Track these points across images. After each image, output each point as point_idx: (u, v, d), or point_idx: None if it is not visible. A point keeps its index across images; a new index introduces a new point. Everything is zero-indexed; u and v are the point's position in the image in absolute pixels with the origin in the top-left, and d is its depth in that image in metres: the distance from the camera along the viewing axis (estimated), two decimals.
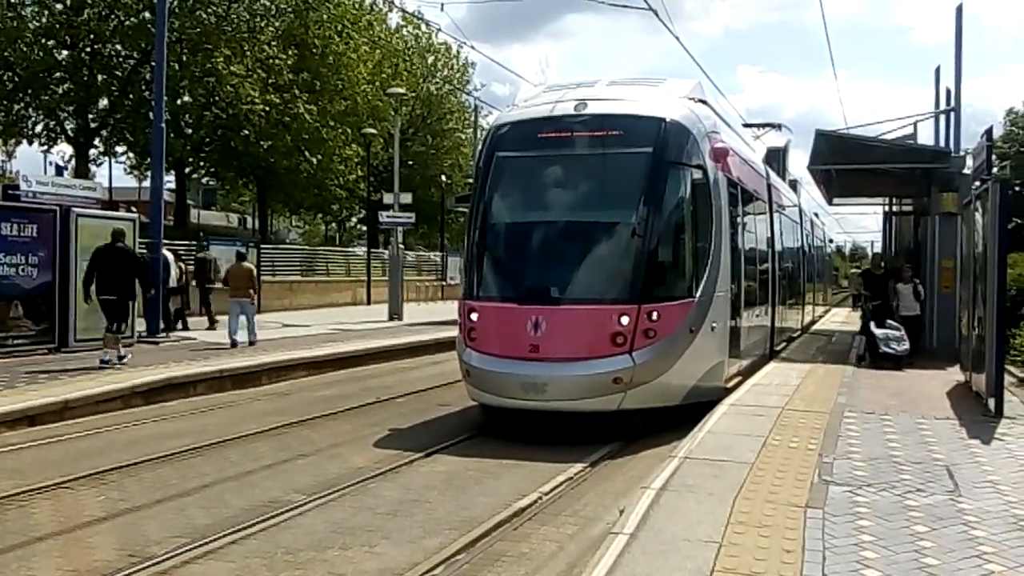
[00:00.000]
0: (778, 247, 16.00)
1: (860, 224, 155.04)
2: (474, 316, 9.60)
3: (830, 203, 24.28)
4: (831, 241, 42.78)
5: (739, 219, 11.59)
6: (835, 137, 16.53)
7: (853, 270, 38.16)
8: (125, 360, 12.70)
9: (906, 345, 12.97)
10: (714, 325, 9.86)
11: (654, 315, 9.04)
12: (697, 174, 9.95)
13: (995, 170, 11.52)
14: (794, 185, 26.31)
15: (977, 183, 11.39)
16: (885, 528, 5.32)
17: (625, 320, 8.97)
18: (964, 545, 5.06)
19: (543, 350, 8.95)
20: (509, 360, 9.12)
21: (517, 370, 9.00)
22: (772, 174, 16.33)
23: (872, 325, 13.57)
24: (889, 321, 13.34)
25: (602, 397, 8.91)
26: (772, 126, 19.14)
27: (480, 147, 10.73)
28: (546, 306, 9.10)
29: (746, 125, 18.53)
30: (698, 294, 9.63)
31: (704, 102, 11.28)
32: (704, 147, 10.12)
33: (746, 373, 11.86)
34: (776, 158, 23.94)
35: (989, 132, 11.79)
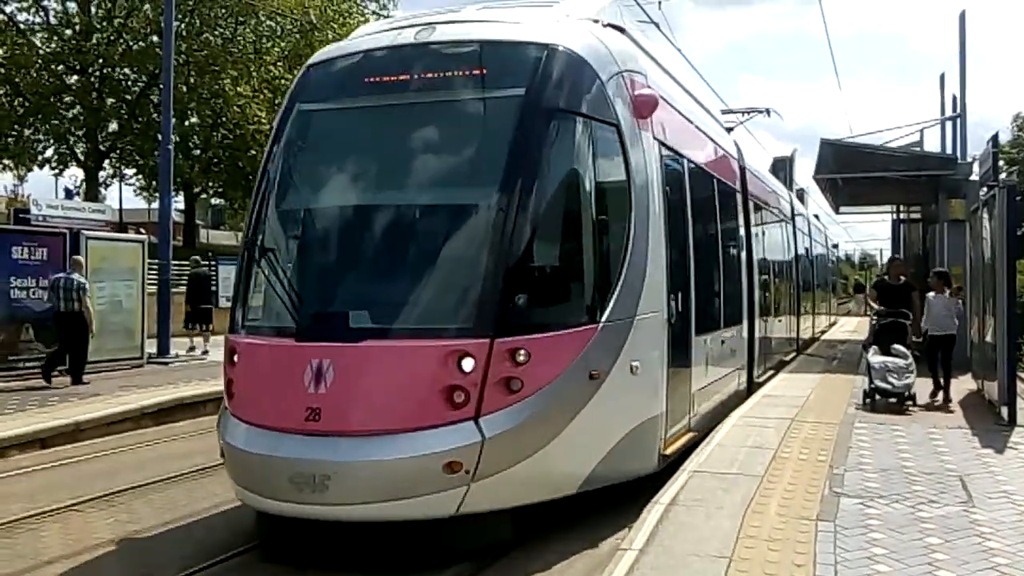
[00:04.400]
0: (757, 249, 12.56)
1: (869, 232, 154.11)
2: (235, 359, 6.34)
3: (837, 211, 24.24)
4: (835, 246, 39.03)
5: (686, 206, 8.24)
6: (840, 146, 16.58)
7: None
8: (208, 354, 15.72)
9: (909, 379, 10.12)
10: (636, 364, 6.55)
11: (520, 354, 5.69)
12: (604, 132, 6.63)
13: (1003, 176, 11.45)
14: (801, 194, 26.24)
15: (984, 189, 11.34)
16: (898, 540, 5.26)
17: (468, 364, 5.59)
18: (978, 557, 5.00)
19: (328, 417, 5.57)
20: (274, 434, 5.74)
21: (284, 451, 5.62)
22: (746, 157, 12.70)
23: (871, 351, 10.81)
24: (896, 347, 10.59)
25: (426, 497, 5.52)
26: (757, 111, 15.91)
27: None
28: (337, 343, 5.73)
29: (725, 111, 15.17)
30: (605, 316, 6.26)
31: (621, 30, 7.70)
32: (618, 93, 6.76)
33: (704, 426, 8.60)
34: (783, 167, 23.86)
35: (995, 138, 11.74)
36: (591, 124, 6.54)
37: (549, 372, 5.84)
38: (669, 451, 7.35)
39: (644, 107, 6.97)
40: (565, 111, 6.40)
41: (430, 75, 6.51)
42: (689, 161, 8.56)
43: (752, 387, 11.60)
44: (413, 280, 6.17)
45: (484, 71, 6.41)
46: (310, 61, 7.40)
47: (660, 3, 15.28)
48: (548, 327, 5.98)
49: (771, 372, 13.43)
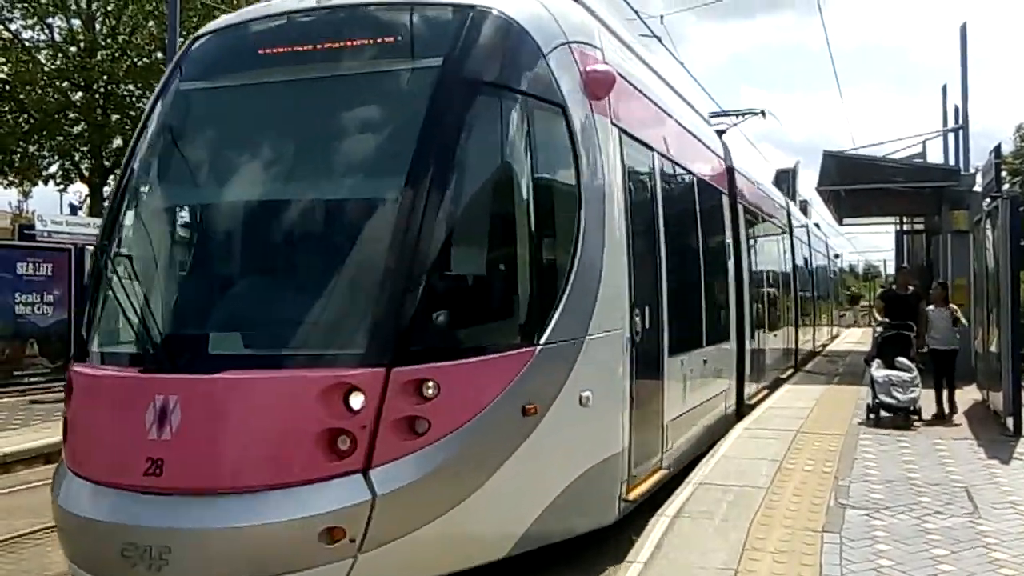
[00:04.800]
0: (749, 258, 11.44)
1: (872, 243, 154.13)
2: (73, 393, 5.19)
3: (840, 223, 24.29)
4: (837, 256, 37.64)
5: (656, 205, 7.13)
6: (843, 158, 16.64)
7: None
8: None
9: (914, 393, 9.92)
10: (587, 394, 5.38)
11: (428, 387, 4.58)
12: (546, 113, 5.42)
13: (1005, 187, 11.52)
14: (805, 206, 26.27)
15: (987, 200, 11.38)
16: (903, 552, 5.25)
17: (356, 400, 4.46)
18: (984, 568, 5.00)
19: (172, 471, 4.40)
20: (107, 491, 4.59)
21: (115, 515, 4.47)
22: (737, 159, 11.66)
23: (874, 365, 10.53)
24: (900, 360, 10.31)
25: (298, 574, 4.40)
26: (752, 112, 14.96)
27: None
28: (186, 375, 4.61)
29: (716, 114, 14.02)
30: (545, 337, 5.07)
31: None
32: (564, 67, 5.58)
33: (682, 461, 7.64)
34: (786, 179, 23.86)
35: (997, 149, 11.80)
36: (527, 103, 5.30)
37: (467, 408, 4.68)
38: (633, 495, 6.15)
39: (598, 86, 5.79)
40: (494, 86, 5.19)
41: (329, 44, 5.39)
42: (660, 155, 7.40)
43: (743, 410, 10.63)
44: (293, 294, 5.01)
45: (394, 38, 5.30)
46: (197, 33, 6.21)
47: (662, 17, 15.37)
48: (467, 351, 4.80)
49: (766, 392, 12.53)
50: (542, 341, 5.05)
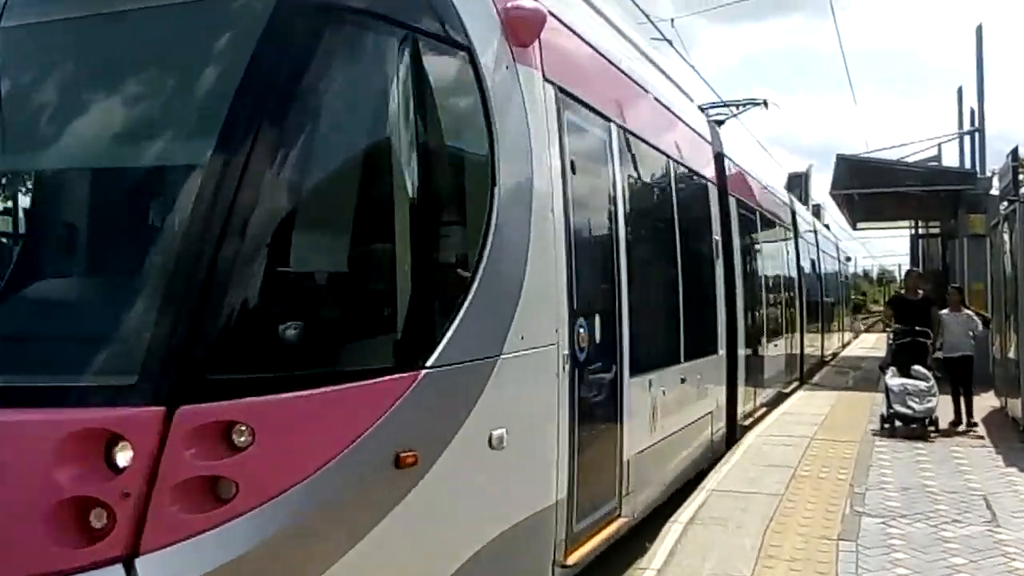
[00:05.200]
0: (744, 259, 10.15)
1: (887, 247, 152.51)
2: None
3: (854, 227, 24.19)
4: (848, 259, 35.88)
5: (613, 187, 5.71)
6: (857, 161, 16.54)
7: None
8: None
9: (931, 403, 9.52)
10: (500, 432, 3.97)
11: (238, 433, 3.07)
12: (442, 56, 3.97)
13: (1023, 190, 11.37)
14: (817, 210, 26.15)
15: (1004, 204, 11.28)
16: (921, 561, 5.18)
17: (123, 455, 2.97)
18: None
19: None
20: None
21: None
22: (729, 147, 10.28)
23: (889, 373, 10.09)
24: (916, 368, 9.89)
25: None
26: (754, 102, 13.67)
27: None
28: None
29: (715, 104, 12.79)
30: (435, 356, 3.60)
31: None
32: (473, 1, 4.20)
33: (651, 503, 6.31)
34: (798, 183, 23.75)
35: (1014, 152, 11.69)
36: (414, 41, 3.76)
37: (302, 462, 3.16)
38: (575, 558, 4.74)
39: (522, 27, 4.34)
40: (361, 15, 3.68)
41: None
42: (619, 126, 5.88)
43: (735, 434, 9.27)
44: (45, 298, 3.63)
45: None
46: None
47: (672, 20, 15.31)
48: (305, 380, 3.26)
49: (765, 410, 11.25)
50: (429, 363, 3.57)
